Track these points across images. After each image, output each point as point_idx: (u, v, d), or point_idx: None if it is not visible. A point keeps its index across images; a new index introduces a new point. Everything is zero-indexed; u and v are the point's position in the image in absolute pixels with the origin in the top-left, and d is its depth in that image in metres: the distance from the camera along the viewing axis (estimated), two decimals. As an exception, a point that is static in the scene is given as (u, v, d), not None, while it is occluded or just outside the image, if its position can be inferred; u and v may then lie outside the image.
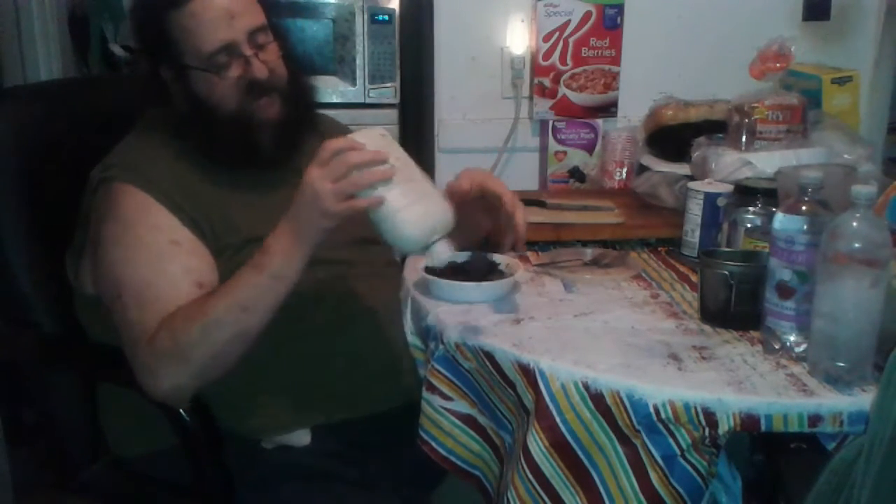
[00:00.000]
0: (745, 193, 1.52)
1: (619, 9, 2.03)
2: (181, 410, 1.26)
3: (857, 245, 1.06)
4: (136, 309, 1.24)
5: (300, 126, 1.41)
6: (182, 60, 1.33)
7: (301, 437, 1.33)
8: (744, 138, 1.71)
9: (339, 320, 1.37)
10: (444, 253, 1.20)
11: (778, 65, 1.73)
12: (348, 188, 1.15)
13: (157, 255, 1.27)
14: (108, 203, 1.31)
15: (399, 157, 1.20)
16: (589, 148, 2.11)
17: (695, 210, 1.53)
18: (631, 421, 1.11)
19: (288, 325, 1.30)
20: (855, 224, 1.06)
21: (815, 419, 1.07)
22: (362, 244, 1.45)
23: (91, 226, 1.33)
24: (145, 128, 1.42)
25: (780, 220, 1.17)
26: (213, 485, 1.28)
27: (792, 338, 1.17)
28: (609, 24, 2.03)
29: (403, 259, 1.58)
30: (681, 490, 1.11)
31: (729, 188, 1.54)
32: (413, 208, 1.17)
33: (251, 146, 1.35)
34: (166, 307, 1.23)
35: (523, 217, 1.32)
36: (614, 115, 2.10)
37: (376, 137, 1.21)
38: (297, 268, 1.21)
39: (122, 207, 1.29)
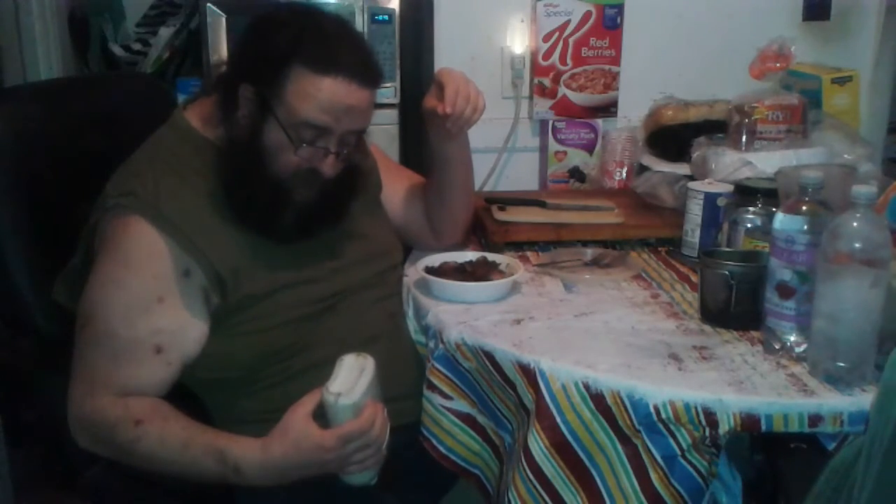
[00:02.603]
0: (745, 193, 1.52)
1: (619, 9, 2.03)
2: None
3: (857, 245, 1.06)
4: (93, 349, 1.24)
5: (324, 218, 1.35)
6: (272, 103, 1.24)
7: None
8: (744, 138, 1.71)
9: (351, 341, 1.34)
10: (357, 482, 1.26)
11: (778, 65, 1.73)
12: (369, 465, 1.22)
13: (137, 307, 1.23)
14: (118, 233, 1.25)
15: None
16: (589, 148, 2.10)
17: (695, 210, 1.53)
18: (631, 421, 1.11)
19: (297, 347, 1.32)
20: (855, 224, 1.06)
21: (815, 419, 1.07)
22: (386, 270, 1.46)
23: (94, 245, 1.29)
24: (175, 140, 1.33)
25: (781, 220, 1.17)
26: (212, 490, 1.28)
27: (792, 338, 1.17)
28: (609, 24, 2.03)
29: (404, 260, 1.58)
30: (681, 490, 1.12)
31: (729, 188, 1.54)
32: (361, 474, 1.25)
33: (273, 215, 1.29)
34: (118, 364, 1.22)
35: (455, 90, 1.37)
36: (614, 115, 2.10)
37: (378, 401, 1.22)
38: (253, 488, 1.23)
39: (129, 244, 1.24)
